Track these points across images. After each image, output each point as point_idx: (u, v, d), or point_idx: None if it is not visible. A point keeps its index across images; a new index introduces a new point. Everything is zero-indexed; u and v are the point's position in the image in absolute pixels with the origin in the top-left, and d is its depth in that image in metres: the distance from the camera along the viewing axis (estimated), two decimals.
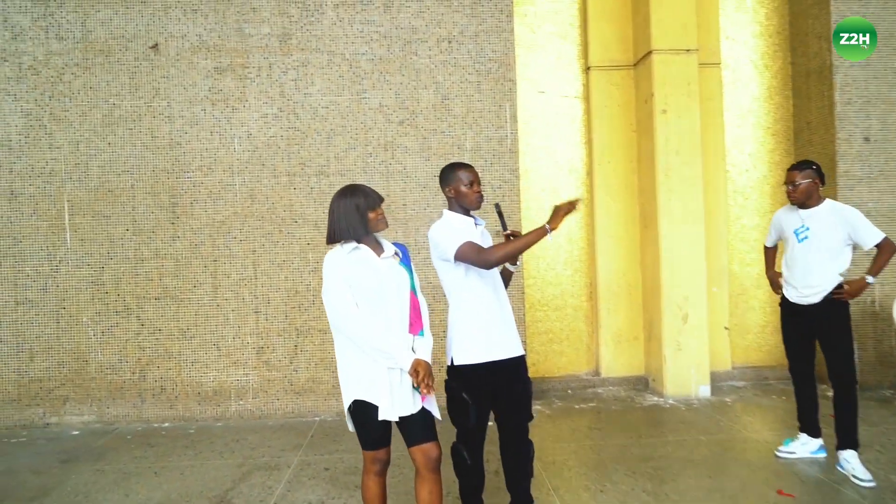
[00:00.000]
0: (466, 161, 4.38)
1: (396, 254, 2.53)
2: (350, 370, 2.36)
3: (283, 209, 4.66)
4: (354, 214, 2.40)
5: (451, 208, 2.61)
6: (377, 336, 2.30)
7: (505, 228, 2.49)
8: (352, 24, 4.70)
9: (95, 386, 4.62)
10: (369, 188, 2.47)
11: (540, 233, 2.38)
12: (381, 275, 2.39)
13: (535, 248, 5.42)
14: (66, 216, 4.61)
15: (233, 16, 4.66)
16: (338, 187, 4.83)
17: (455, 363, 2.49)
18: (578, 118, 5.46)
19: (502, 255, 2.40)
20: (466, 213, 2.60)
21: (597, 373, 5.40)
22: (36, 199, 4.60)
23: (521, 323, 4.64)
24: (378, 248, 2.48)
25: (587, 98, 5.40)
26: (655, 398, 4.93)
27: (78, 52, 4.61)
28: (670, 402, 4.80)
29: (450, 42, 4.75)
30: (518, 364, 2.54)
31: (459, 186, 2.58)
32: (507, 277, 2.63)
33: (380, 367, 2.30)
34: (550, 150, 5.43)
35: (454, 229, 2.58)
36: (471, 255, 2.40)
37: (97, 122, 4.61)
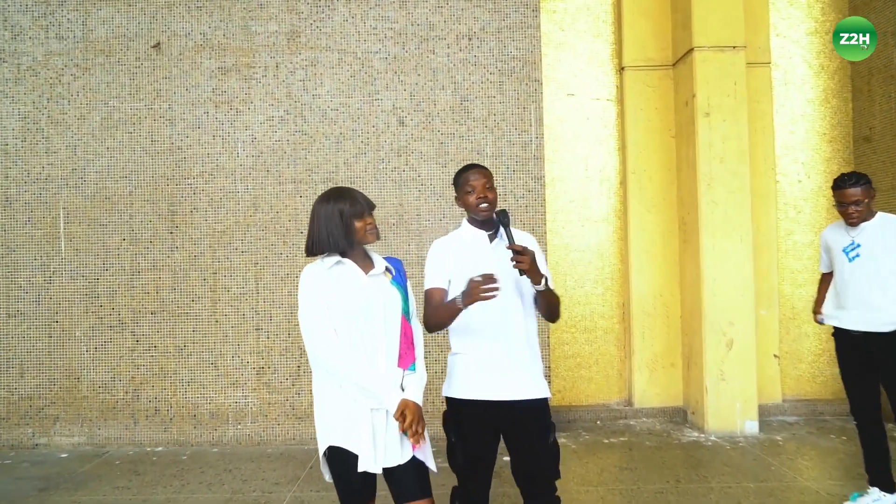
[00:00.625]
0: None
1: (389, 270, 2.14)
2: (326, 409, 1.98)
3: (287, 219, 4.33)
4: (337, 222, 2.03)
5: (468, 219, 2.28)
6: (358, 369, 1.92)
7: (510, 242, 2.08)
8: (364, 20, 4.37)
9: (87, 405, 4.33)
10: (358, 192, 2.10)
11: (452, 310, 2.08)
12: (368, 295, 2.01)
13: (561, 263, 5.00)
14: (62, 224, 4.36)
15: (239, 12, 4.37)
16: None
17: (444, 393, 2.19)
18: (611, 122, 5.02)
19: (431, 323, 2.20)
20: (482, 224, 2.23)
21: (629, 402, 4.91)
22: (31, 205, 4.37)
23: (544, 346, 4.20)
24: (366, 263, 2.11)
25: (621, 101, 4.96)
26: (695, 433, 4.41)
27: (78, 52, 4.38)
28: (712, 438, 4.27)
29: (470, 39, 4.37)
30: (533, 410, 2.13)
31: (463, 193, 2.22)
32: (546, 302, 2.17)
33: (361, 407, 1.91)
34: (579, 157, 4.99)
35: (446, 253, 2.27)
36: (424, 306, 2.24)
37: (96, 125, 4.37)
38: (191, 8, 4.37)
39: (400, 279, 2.13)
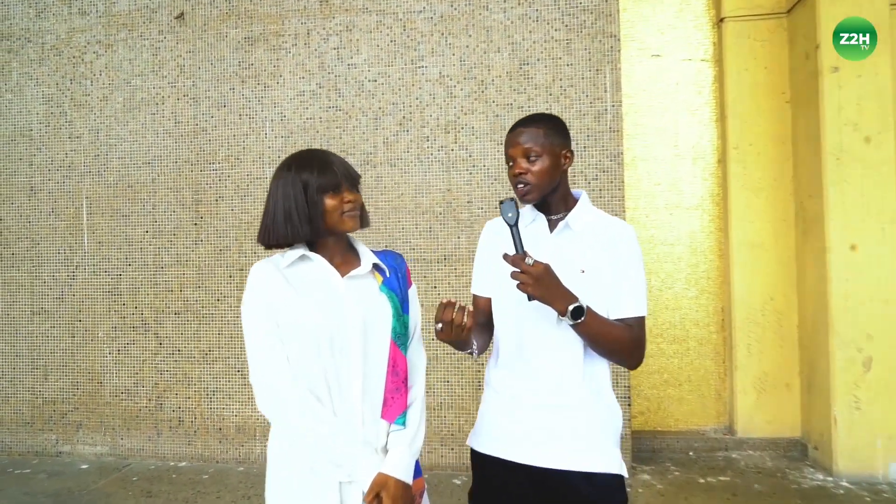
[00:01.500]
0: None
1: (379, 270, 1.50)
2: (277, 473, 1.36)
3: None
4: (300, 200, 1.40)
5: None
6: (317, 423, 1.30)
7: (520, 248, 1.39)
8: None
9: (110, 412, 3.97)
10: (335, 157, 1.46)
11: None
12: (341, 308, 1.37)
13: (644, 259, 4.17)
14: (85, 215, 4.02)
15: None
16: (388, 180, 3.90)
17: (468, 441, 1.63)
18: (707, 87, 4.13)
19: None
20: (544, 203, 1.56)
21: (730, 430, 4.01)
22: (55, 195, 4.06)
23: (621, 371, 3.41)
24: (346, 259, 1.47)
25: (719, 60, 4.06)
26: (820, 476, 3.48)
27: (101, 27, 4.02)
28: (844, 484, 3.34)
29: None
30: (589, 488, 1.42)
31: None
32: (591, 341, 1.47)
33: (324, 480, 1.29)
34: (667, 130, 4.14)
35: (491, 243, 1.64)
36: None
37: (118, 106, 3.99)
38: None
39: (394, 284, 1.47)
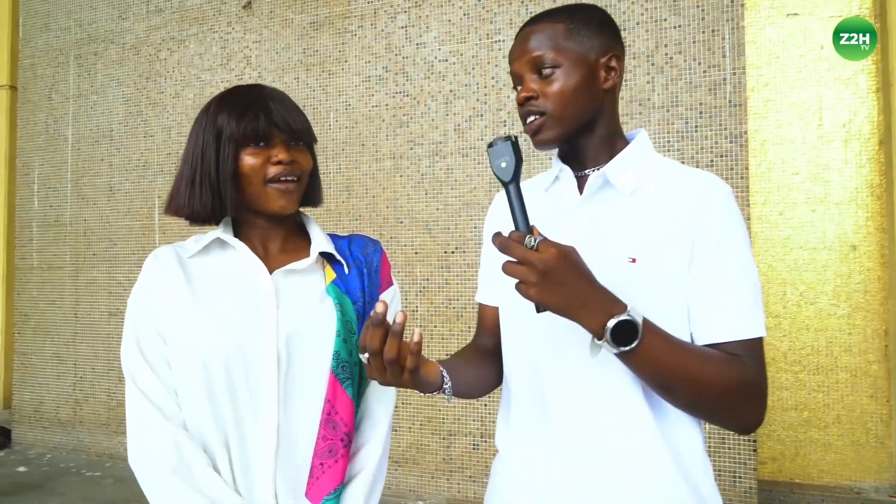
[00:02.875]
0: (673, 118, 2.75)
1: (334, 262, 1.04)
2: None
3: (385, 205, 3.39)
4: (208, 153, 0.98)
5: None
6: (197, 491, 0.87)
7: (520, 221, 0.83)
8: None
9: None
10: (276, 96, 1.01)
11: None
12: (252, 319, 0.92)
13: (777, 266, 3.36)
14: (157, 215, 3.94)
15: None
16: (459, 172, 3.43)
17: None
18: None
19: None
20: (562, 152, 1.03)
21: None
22: (131, 195, 4.01)
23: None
24: (290, 246, 1.03)
25: (881, 14, 3.19)
26: None
27: (174, 23, 3.94)
28: None
29: None
30: None
31: None
32: (649, 381, 0.87)
33: None
34: (808, 106, 3.31)
35: (495, 218, 1.11)
36: None
37: (189, 103, 3.87)
38: None
39: (353, 284, 1.00)
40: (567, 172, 0.98)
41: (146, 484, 0.91)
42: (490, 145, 0.85)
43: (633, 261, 0.88)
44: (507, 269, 0.78)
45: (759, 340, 0.88)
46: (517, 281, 0.78)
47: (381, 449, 0.99)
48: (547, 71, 0.92)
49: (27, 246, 4.27)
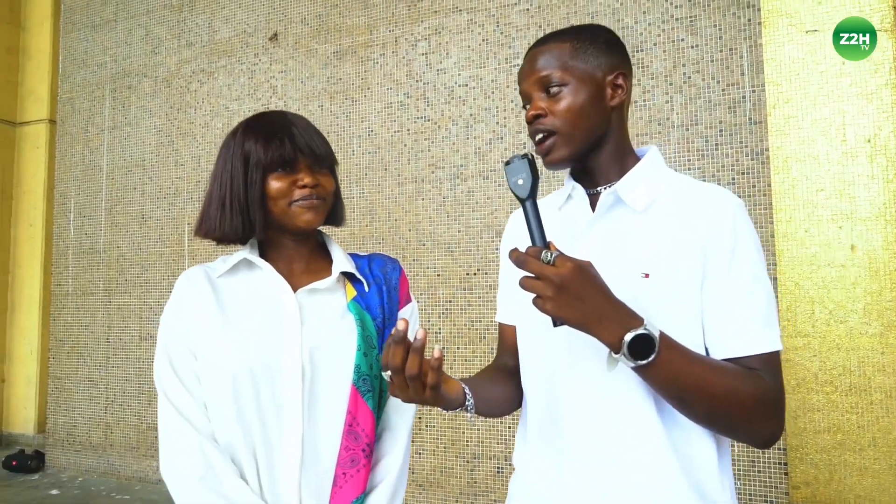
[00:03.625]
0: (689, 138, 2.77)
1: (354, 280, 1.07)
2: None
3: (407, 228, 3.44)
4: (237, 178, 1.03)
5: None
6: (231, 500, 0.90)
7: (536, 237, 0.84)
8: None
9: None
10: (299, 122, 1.06)
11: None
12: (276, 336, 0.96)
13: (804, 285, 3.31)
14: (186, 241, 4.05)
15: None
16: (480, 195, 3.47)
17: None
18: (886, 65, 3.23)
19: None
20: (574, 170, 1.04)
21: None
22: (162, 222, 4.14)
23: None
24: (310, 265, 1.07)
25: None
26: None
27: (204, 56, 4.09)
28: None
29: None
30: None
31: None
32: (668, 395, 0.88)
33: None
34: (832, 122, 3.28)
35: (512, 239, 1.10)
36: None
37: (218, 132, 4.00)
38: None
39: (374, 301, 1.04)
40: (579, 190, 1.00)
41: (176, 492, 0.94)
42: (507, 163, 0.87)
43: (647, 276, 0.89)
44: (524, 283, 0.79)
45: (776, 354, 0.88)
46: (534, 296, 0.79)
47: (401, 459, 1.01)
48: (554, 89, 0.94)
49: (63, 273, 4.42)
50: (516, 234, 1.09)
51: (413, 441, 3.31)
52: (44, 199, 4.95)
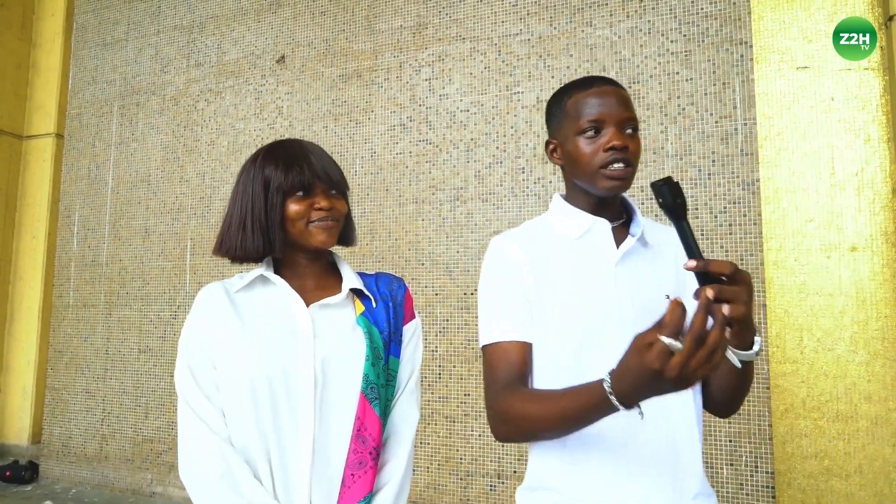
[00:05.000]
0: (671, 174, 2.87)
1: (363, 297, 1.15)
2: None
3: (407, 247, 3.52)
4: (258, 201, 1.11)
5: (566, 192, 1.18)
6: (247, 498, 0.96)
7: (693, 252, 0.87)
8: None
9: None
10: (315, 150, 1.15)
11: (583, 405, 0.88)
12: (291, 347, 1.03)
13: (793, 312, 3.40)
14: (188, 256, 4.11)
15: (363, 12, 3.80)
16: (479, 217, 3.55)
17: None
18: (873, 101, 3.35)
19: (508, 426, 1.01)
20: (594, 203, 1.12)
21: None
22: (164, 237, 4.20)
23: (762, 439, 2.69)
24: (321, 283, 1.15)
25: (889, 67, 3.29)
26: None
27: (212, 76, 4.19)
28: None
29: (641, 0, 3.21)
30: None
31: (574, 132, 1.08)
32: (744, 381, 1.06)
33: None
34: (820, 155, 3.40)
35: (519, 263, 1.10)
36: (486, 386, 1.06)
37: (223, 150, 4.09)
38: (315, 15, 3.92)
39: (380, 316, 1.11)
40: (603, 224, 1.12)
41: (195, 491, 1.00)
42: (658, 184, 0.90)
43: (668, 297, 1.06)
44: (723, 290, 0.80)
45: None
46: (722, 304, 0.80)
47: (405, 463, 1.08)
48: (631, 131, 1.08)
49: (65, 285, 4.46)
50: (512, 260, 1.12)
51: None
52: (47, 212, 5.01)
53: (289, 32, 3.99)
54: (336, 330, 1.08)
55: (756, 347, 0.90)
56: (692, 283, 0.96)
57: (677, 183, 0.90)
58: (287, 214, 1.08)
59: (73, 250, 4.48)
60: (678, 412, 1.03)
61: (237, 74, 4.12)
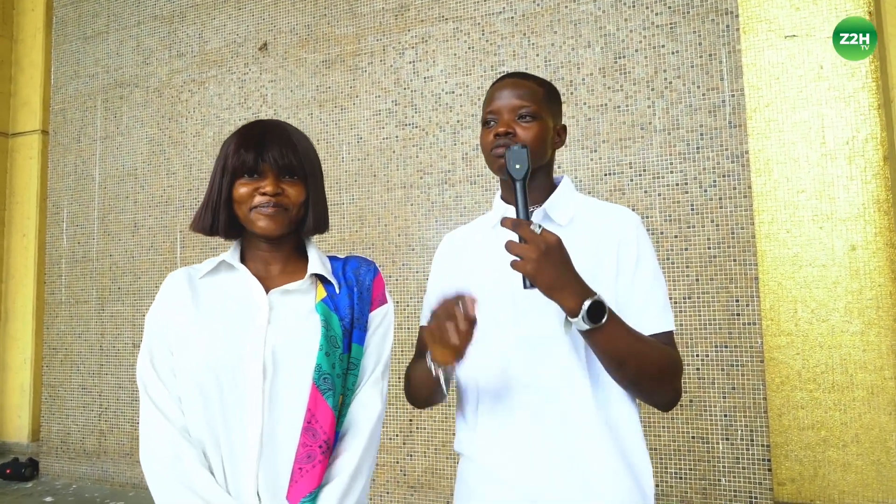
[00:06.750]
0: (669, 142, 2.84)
1: (326, 283, 1.12)
2: None
3: (396, 233, 3.49)
4: (215, 181, 1.10)
5: (502, 192, 1.30)
6: (195, 492, 0.95)
7: (522, 212, 0.99)
8: None
9: None
10: (275, 130, 1.11)
11: (424, 373, 1.06)
12: (242, 335, 1.00)
13: (786, 284, 3.37)
14: (178, 249, 4.08)
15: None
16: (468, 199, 3.52)
17: None
18: (863, 67, 3.31)
19: (410, 394, 1.24)
20: (509, 189, 1.23)
21: None
22: (154, 231, 4.17)
23: (757, 413, 2.68)
24: (291, 268, 1.12)
25: (880, 30, 3.24)
26: None
27: (195, 66, 4.14)
28: None
29: None
30: None
31: (483, 129, 1.19)
32: (608, 358, 1.03)
33: None
34: (810, 124, 3.36)
35: (448, 259, 1.30)
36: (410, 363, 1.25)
37: (209, 141, 4.05)
38: (296, 0, 3.86)
39: (343, 302, 1.08)
40: (511, 211, 1.17)
41: (150, 482, 0.99)
42: (508, 148, 1.02)
43: None
44: (511, 245, 0.92)
45: (672, 333, 1.08)
46: (514, 259, 0.92)
47: (358, 456, 1.03)
48: (526, 119, 1.13)
49: (56, 282, 4.44)
50: (451, 258, 1.27)
51: (404, 444, 3.35)
52: (36, 209, 4.98)
53: (270, 19, 3.93)
54: (291, 317, 1.05)
55: (578, 317, 0.91)
56: (606, 259, 1.08)
57: (525, 149, 1.00)
58: (234, 197, 1.07)
59: (63, 247, 4.45)
60: (582, 389, 1.05)
61: (220, 64, 4.06)
